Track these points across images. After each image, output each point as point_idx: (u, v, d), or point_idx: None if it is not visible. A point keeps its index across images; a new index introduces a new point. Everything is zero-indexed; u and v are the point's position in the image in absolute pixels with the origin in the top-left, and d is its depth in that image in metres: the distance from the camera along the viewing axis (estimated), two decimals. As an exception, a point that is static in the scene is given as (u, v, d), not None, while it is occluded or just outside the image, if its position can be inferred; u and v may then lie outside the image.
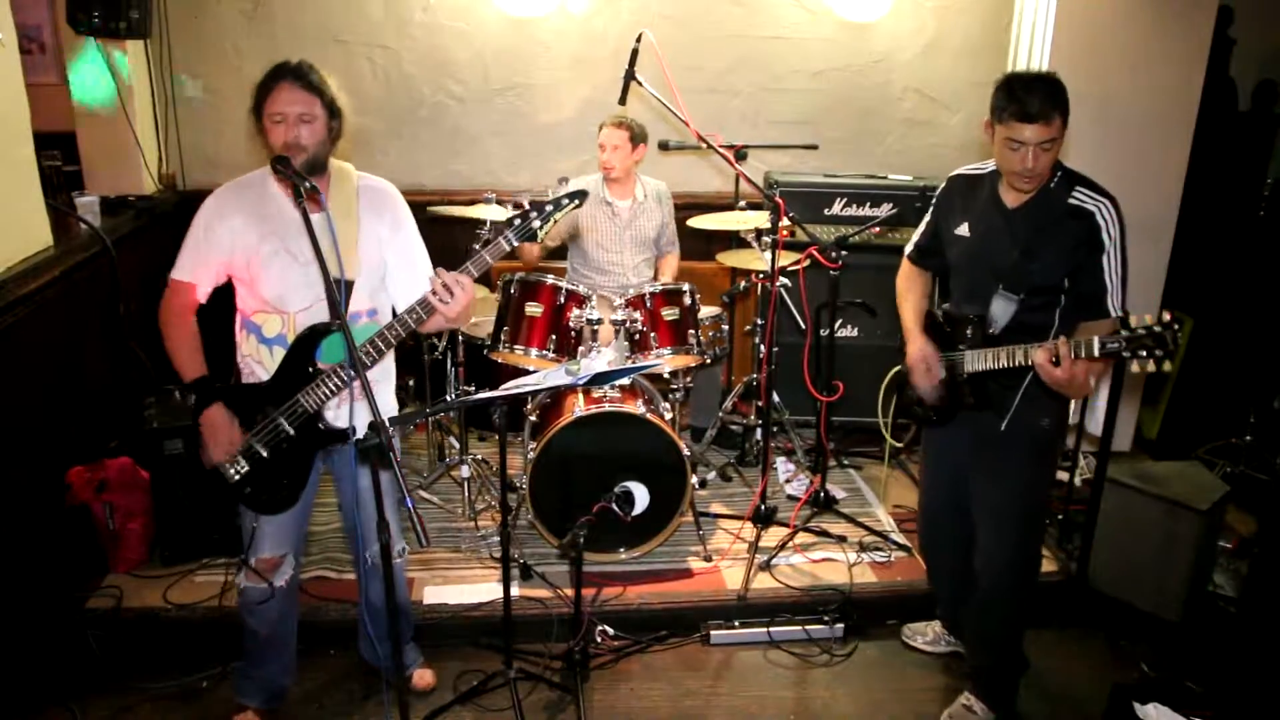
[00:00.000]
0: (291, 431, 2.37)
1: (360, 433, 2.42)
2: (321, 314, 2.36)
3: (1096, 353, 2.18)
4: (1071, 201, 2.37)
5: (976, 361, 2.51)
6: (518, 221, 2.28)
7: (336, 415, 2.43)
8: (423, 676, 2.92)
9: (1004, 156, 2.39)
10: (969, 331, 2.54)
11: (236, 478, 2.38)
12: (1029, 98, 2.28)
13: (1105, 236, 2.33)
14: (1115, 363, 2.29)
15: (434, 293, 2.21)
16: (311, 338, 2.34)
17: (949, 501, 2.80)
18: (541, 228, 2.28)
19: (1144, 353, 2.09)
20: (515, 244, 2.28)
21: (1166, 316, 2.10)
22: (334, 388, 2.33)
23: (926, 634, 3.19)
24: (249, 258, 2.33)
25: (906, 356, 2.72)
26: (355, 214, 2.40)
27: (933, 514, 2.93)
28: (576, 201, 2.33)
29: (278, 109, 2.24)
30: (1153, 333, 2.09)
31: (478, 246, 2.39)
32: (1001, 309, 2.48)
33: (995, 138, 2.40)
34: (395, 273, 2.47)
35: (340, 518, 2.76)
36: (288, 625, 2.67)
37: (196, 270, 2.35)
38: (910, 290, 2.80)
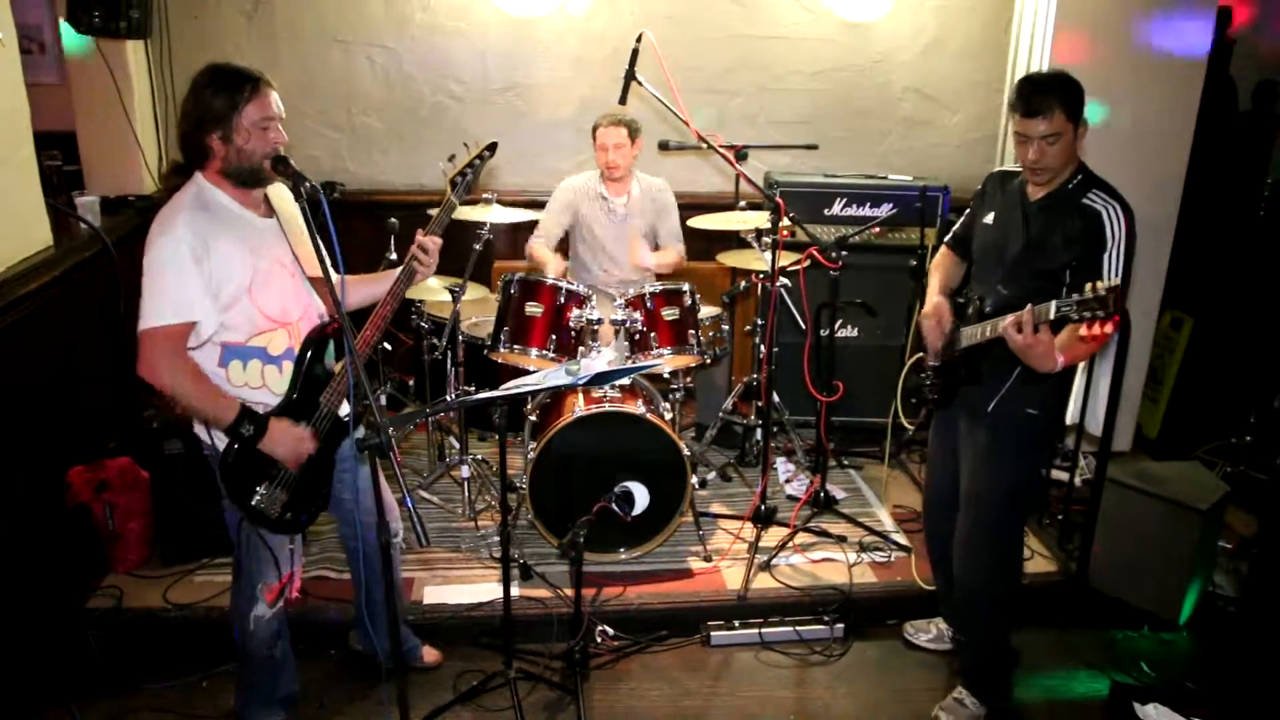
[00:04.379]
0: (323, 438, 2.37)
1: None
2: (313, 319, 2.37)
3: (1052, 315, 2.22)
4: (1084, 201, 2.42)
5: (971, 335, 2.58)
6: (460, 180, 2.56)
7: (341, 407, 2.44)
8: (430, 653, 2.98)
9: (1017, 150, 2.48)
10: (969, 310, 2.63)
11: (276, 514, 2.32)
12: (1031, 93, 2.39)
13: (1109, 234, 2.36)
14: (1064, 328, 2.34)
15: (414, 257, 2.43)
16: (323, 340, 2.34)
17: (948, 488, 2.82)
18: (474, 179, 2.60)
19: (1088, 313, 2.14)
20: (461, 199, 2.56)
21: (1114, 283, 2.16)
22: (346, 381, 2.34)
23: (930, 631, 3.20)
24: (250, 279, 2.21)
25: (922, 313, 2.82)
26: (295, 211, 2.36)
27: (932, 501, 2.97)
28: (490, 153, 2.63)
29: (269, 113, 2.17)
30: (1097, 296, 2.14)
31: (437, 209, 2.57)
32: (1001, 292, 2.56)
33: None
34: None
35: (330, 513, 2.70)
36: (287, 633, 2.65)
37: (196, 306, 2.12)
38: (940, 268, 2.89)
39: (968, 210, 2.83)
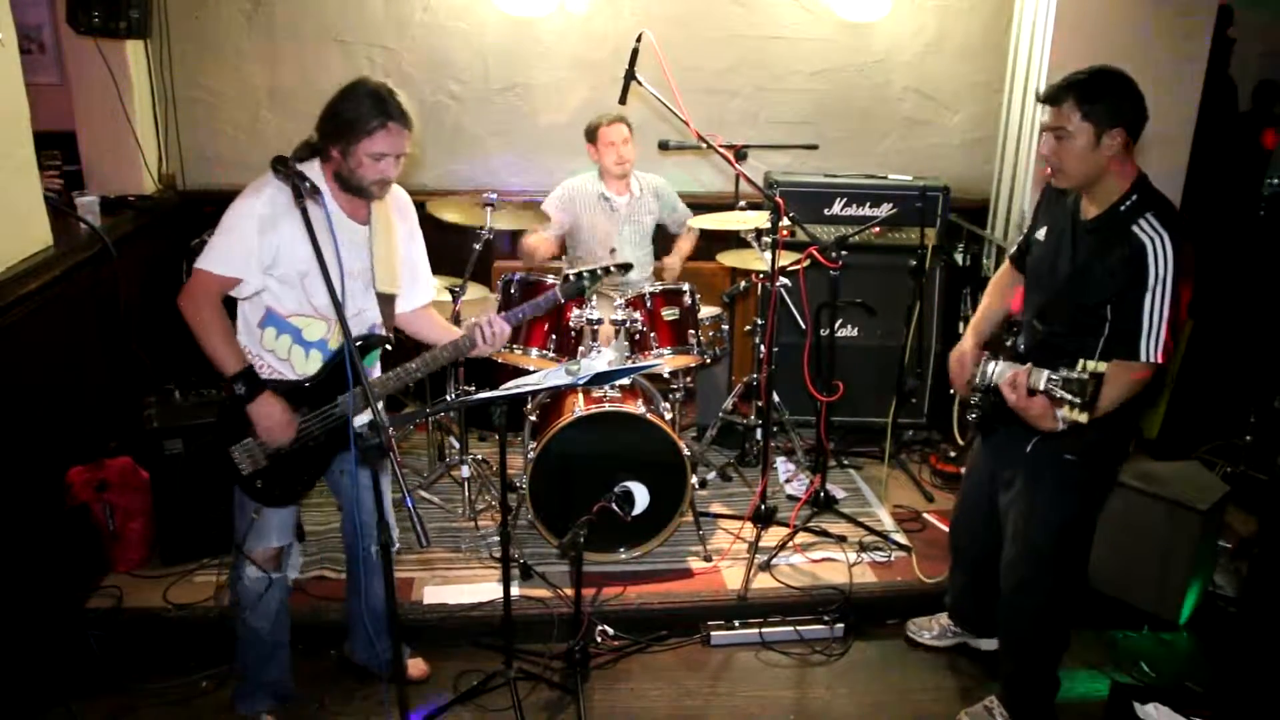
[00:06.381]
0: (322, 433, 2.42)
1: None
2: (362, 324, 2.45)
3: (1042, 386, 2.09)
4: (1134, 228, 2.23)
5: (1000, 374, 2.42)
6: (572, 277, 2.78)
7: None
8: (416, 665, 2.95)
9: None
10: (1008, 342, 2.48)
11: (247, 471, 2.38)
12: (1056, 82, 2.26)
13: (1151, 272, 2.18)
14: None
15: (481, 335, 2.52)
16: (365, 347, 2.43)
17: (980, 507, 2.79)
18: (589, 287, 2.80)
19: (1068, 396, 1.99)
20: (563, 300, 2.78)
21: (1100, 368, 2.01)
22: (373, 394, 2.37)
23: (932, 628, 3.18)
24: (307, 269, 2.28)
25: None
26: (393, 226, 2.45)
27: (963, 514, 2.96)
28: (622, 272, 2.87)
29: (381, 148, 2.24)
30: (1079, 379, 1.98)
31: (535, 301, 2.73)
32: (1036, 328, 2.43)
33: None
34: (403, 280, 2.51)
35: (340, 517, 2.76)
36: (285, 620, 2.66)
37: (246, 267, 2.26)
38: (991, 289, 2.77)
39: (1030, 225, 2.66)
